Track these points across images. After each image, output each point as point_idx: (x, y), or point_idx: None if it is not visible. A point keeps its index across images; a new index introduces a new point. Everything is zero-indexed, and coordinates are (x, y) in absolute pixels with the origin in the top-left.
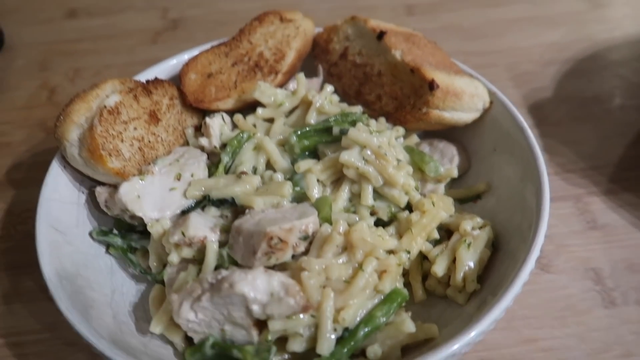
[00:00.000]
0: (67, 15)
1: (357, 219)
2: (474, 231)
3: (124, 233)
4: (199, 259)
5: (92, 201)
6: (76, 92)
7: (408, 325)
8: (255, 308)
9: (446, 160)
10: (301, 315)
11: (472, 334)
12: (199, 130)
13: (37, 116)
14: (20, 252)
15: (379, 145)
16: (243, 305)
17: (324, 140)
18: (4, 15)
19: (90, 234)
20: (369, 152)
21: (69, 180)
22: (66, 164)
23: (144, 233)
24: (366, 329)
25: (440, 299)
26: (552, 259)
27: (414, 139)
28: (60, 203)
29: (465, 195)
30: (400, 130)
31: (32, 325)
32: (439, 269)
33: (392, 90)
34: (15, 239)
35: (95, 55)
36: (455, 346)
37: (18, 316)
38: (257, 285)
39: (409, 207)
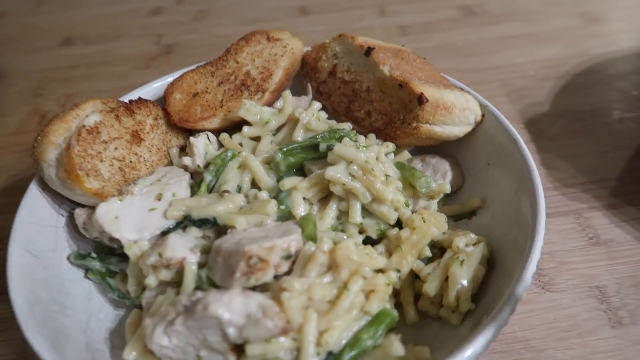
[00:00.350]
0: (63, 43)
1: (345, 237)
2: (468, 248)
3: (103, 256)
4: (177, 282)
5: (72, 224)
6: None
7: (397, 348)
8: (231, 331)
9: (439, 176)
10: (281, 339)
11: (466, 355)
12: (184, 150)
13: (27, 141)
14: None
15: (365, 160)
16: (218, 328)
17: (310, 157)
18: (1, 45)
19: (68, 258)
20: (355, 168)
21: (47, 202)
22: (45, 186)
23: (123, 256)
24: (352, 353)
25: (433, 319)
26: (554, 277)
27: (405, 155)
28: (37, 226)
29: (459, 212)
30: (390, 146)
31: (6, 354)
32: (430, 288)
33: (381, 106)
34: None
35: (89, 80)
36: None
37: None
38: (232, 307)
39: (399, 224)
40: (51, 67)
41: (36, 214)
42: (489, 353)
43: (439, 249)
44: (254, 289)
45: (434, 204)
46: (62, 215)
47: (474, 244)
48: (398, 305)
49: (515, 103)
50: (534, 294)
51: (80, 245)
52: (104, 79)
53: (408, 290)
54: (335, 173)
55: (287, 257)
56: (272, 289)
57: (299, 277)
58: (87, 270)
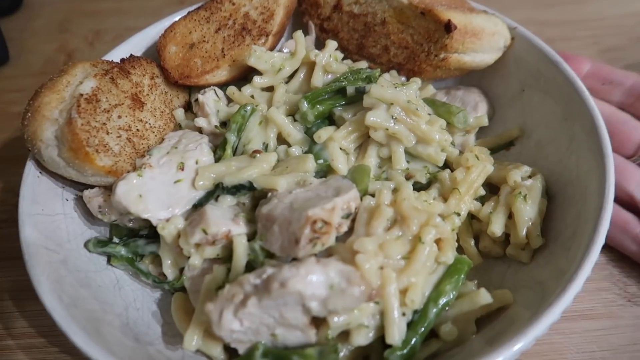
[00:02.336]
0: None
1: (393, 186)
2: (525, 181)
3: (127, 240)
4: (224, 257)
5: (80, 208)
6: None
7: (483, 296)
8: (314, 305)
9: (470, 109)
10: (366, 305)
11: (567, 296)
12: (189, 110)
13: None
14: (16, 240)
15: (407, 100)
16: (299, 304)
17: (339, 103)
18: None
19: (86, 247)
20: (398, 109)
21: (48, 188)
22: (42, 169)
23: (150, 236)
24: (437, 307)
25: (496, 260)
26: None
27: (430, 89)
28: (43, 217)
29: (496, 144)
30: (418, 82)
31: (24, 327)
32: (496, 228)
33: (400, 39)
34: (16, 224)
35: (118, 16)
36: (555, 312)
37: (11, 317)
38: (313, 280)
39: (445, 166)
40: None
41: (40, 203)
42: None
43: (487, 185)
44: (315, 255)
45: (472, 138)
46: (67, 200)
47: (530, 177)
48: (458, 249)
49: None
50: (617, 307)
51: (93, 230)
52: (134, 15)
53: (467, 233)
54: (377, 118)
55: (347, 215)
56: (338, 252)
57: (365, 235)
58: (109, 257)
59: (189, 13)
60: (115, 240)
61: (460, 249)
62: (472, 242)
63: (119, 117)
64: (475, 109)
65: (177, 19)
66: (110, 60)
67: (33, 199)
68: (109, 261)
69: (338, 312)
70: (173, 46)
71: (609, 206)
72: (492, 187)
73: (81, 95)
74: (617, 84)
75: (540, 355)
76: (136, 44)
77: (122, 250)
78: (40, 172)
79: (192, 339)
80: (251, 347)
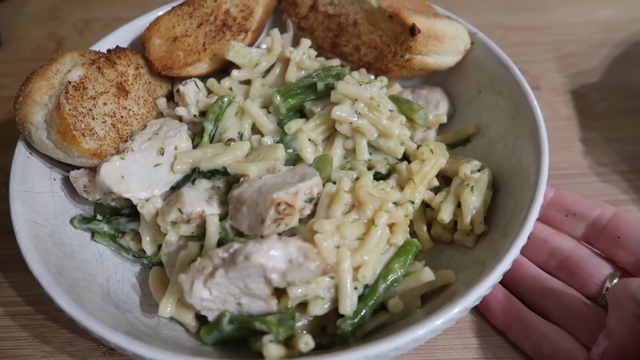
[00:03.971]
0: None
1: (355, 175)
2: (474, 174)
3: (109, 218)
4: (198, 235)
5: (66, 188)
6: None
7: (427, 274)
8: (274, 277)
9: (432, 107)
10: (322, 278)
11: (496, 272)
12: (171, 99)
13: None
14: (9, 216)
15: (370, 96)
16: (261, 275)
17: (309, 98)
18: None
19: (72, 223)
20: (361, 105)
21: (37, 167)
22: (32, 150)
23: (131, 215)
24: (386, 283)
25: (446, 244)
26: None
27: (397, 87)
28: (33, 194)
29: (454, 140)
30: (384, 80)
31: (12, 296)
32: (445, 215)
33: (370, 40)
34: (6, 201)
35: (108, 6)
36: (486, 285)
37: (2, 287)
38: (273, 254)
39: (404, 158)
40: None
41: (30, 181)
42: (496, 347)
43: (442, 177)
44: (280, 234)
45: (432, 134)
46: (55, 179)
47: (478, 170)
48: (412, 234)
49: (562, 71)
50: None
51: (79, 208)
52: (124, 5)
53: (420, 220)
54: (342, 112)
55: (310, 200)
56: (299, 232)
57: (325, 218)
58: (93, 233)
59: (173, 8)
60: (99, 217)
61: (414, 235)
62: (425, 228)
63: (105, 104)
64: (437, 107)
65: (161, 13)
66: (98, 50)
67: (23, 177)
68: (92, 237)
69: (296, 283)
70: (157, 39)
71: (540, 197)
72: (447, 179)
73: (69, 82)
74: (581, 216)
75: (480, 330)
76: (122, 36)
77: (105, 227)
78: (30, 153)
79: (167, 307)
80: (219, 315)
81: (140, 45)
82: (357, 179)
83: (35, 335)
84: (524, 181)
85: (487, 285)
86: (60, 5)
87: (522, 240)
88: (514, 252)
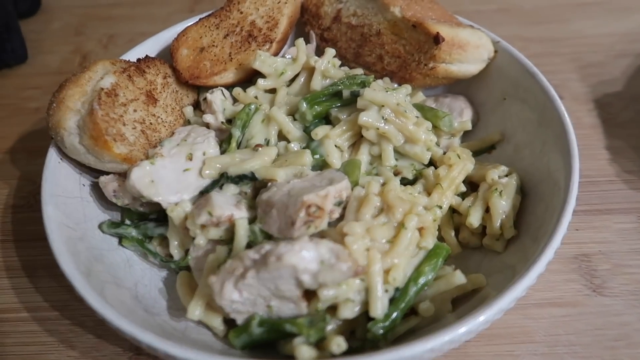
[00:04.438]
0: None
1: (382, 180)
2: (502, 179)
3: (137, 223)
4: (226, 239)
5: (95, 193)
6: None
7: (458, 277)
8: (306, 278)
9: (456, 114)
10: (352, 280)
11: (531, 275)
12: (198, 107)
13: None
14: (37, 224)
15: (397, 102)
16: (292, 277)
17: (335, 105)
18: None
19: (100, 228)
20: (388, 111)
21: (68, 173)
22: (63, 155)
23: (159, 220)
24: (416, 286)
25: (474, 250)
26: (607, 280)
27: (420, 96)
28: (64, 198)
29: (479, 147)
30: (409, 88)
31: (38, 302)
32: (474, 220)
33: (393, 49)
34: (34, 209)
35: (131, 21)
36: (521, 287)
37: (26, 292)
38: (305, 255)
39: (430, 164)
40: (93, 4)
41: (61, 185)
42: (529, 354)
43: (468, 183)
44: None
45: (457, 141)
46: (84, 185)
47: (506, 175)
48: (439, 239)
49: (584, 81)
50: (583, 296)
51: (107, 214)
52: (146, 21)
53: (448, 225)
54: (369, 118)
55: (339, 203)
56: (329, 235)
57: (354, 220)
58: (121, 238)
59: (200, 20)
60: (127, 222)
61: (442, 240)
62: (453, 234)
63: (135, 110)
64: (461, 114)
65: (189, 24)
66: (128, 59)
67: (54, 182)
68: (120, 242)
69: (327, 285)
70: (185, 49)
71: (572, 200)
72: (473, 186)
73: (102, 89)
74: None
75: (511, 337)
76: (150, 47)
77: (133, 232)
78: (60, 159)
79: (195, 310)
80: (248, 318)
81: (167, 56)
82: (383, 184)
83: (61, 340)
84: (553, 186)
85: (522, 287)
86: (85, 22)
87: (556, 243)
88: (549, 255)
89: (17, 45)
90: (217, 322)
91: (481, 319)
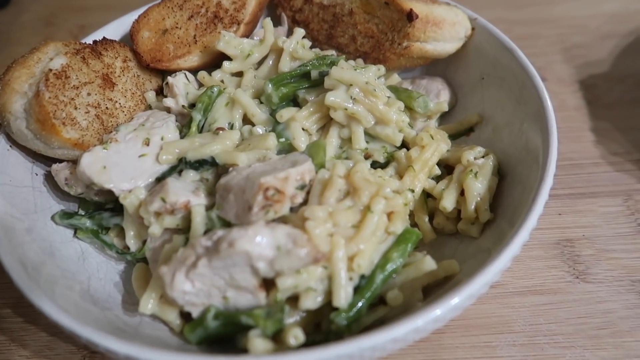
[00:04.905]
0: None
1: (351, 164)
2: (478, 160)
3: (92, 213)
4: (183, 228)
5: (49, 183)
6: None
7: (428, 263)
8: (261, 265)
9: (432, 96)
10: (313, 268)
11: (504, 257)
12: (161, 94)
13: None
14: None
15: (366, 81)
16: (247, 264)
17: (302, 86)
18: None
19: (53, 219)
20: (356, 90)
21: (17, 161)
22: (12, 142)
23: (115, 210)
24: (384, 274)
25: (449, 236)
26: (591, 266)
27: (396, 78)
28: (12, 187)
29: (456, 130)
30: (382, 68)
31: None
32: (447, 203)
33: (366, 29)
34: None
35: (105, 11)
36: (493, 270)
37: None
38: (260, 240)
39: (403, 146)
40: None
41: (8, 174)
42: (507, 345)
43: (444, 167)
44: None
45: (433, 123)
46: (37, 174)
47: (483, 157)
48: (413, 225)
49: (569, 62)
50: (565, 283)
51: (62, 205)
52: (120, 11)
53: (422, 210)
54: (336, 98)
55: (302, 187)
56: (291, 221)
57: (318, 205)
58: (76, 229)
59: (162, 0)
60: (81, 212)
61: (415, 226)
62: (427, 219)
63: (89, 94)
64: (437, 96)
65: (151, 5)
66: (84, 42)
67: (1, 170)
68: (75, 234)
69: (285, 273)
70: (146, 31)
71: (549, 177)
72: (450, 169)
73: (50, 70)
74: None
75: (489, 327)
76: (112, 31)
77: (87, 223)
78: (10, 146)
79: (148, 303)
80: (203, 310)
81: (129, 40)
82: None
83: (13, 339)
84: (531, 165)
85: (495, 270)
86: (57, 12)
87: (531, 223)
88: (523, 235)
89: None
90: (172, 316)
91: (451, 303)
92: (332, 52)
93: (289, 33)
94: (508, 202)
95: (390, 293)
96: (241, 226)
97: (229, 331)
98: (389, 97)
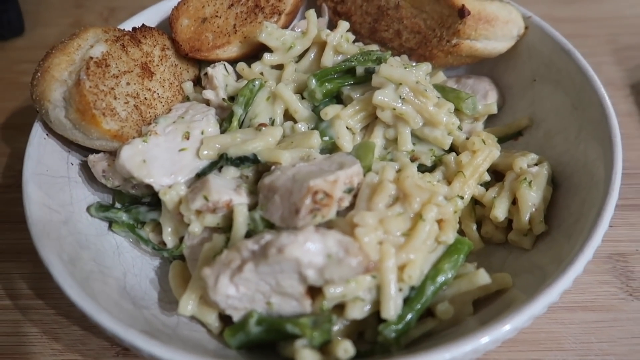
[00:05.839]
0: None
1: (397, 166)
2: (531, 168)
3: (128, 206)
4: (223, 227)
5: (85, 173)
6: None
7: (482, 276)
8: (310, 273)
9: (479, 97)
10: (363, 277)
11: (566, 277)
12: (199, 84)
13: None
14: (18, 205)
15: (416, 80)
16: (295, 271)
17: (347, 83)
18: None
19: (88, 211)
20: (406, 90)
21: (54, 150)
22: (49, 131)
23: (152, 204)
24: (434, 285)
25: (497, 245)
26: None
27: (441, 76)
28: (48, 177)
29: (504, 133)
30: (429, 65)
31: (22, 289)
32: (499, 212)
33: (413, 24)
34: (16, 185)
35: None
36: (556, 290)
37: (10, 278)
38: (310, 247)
39: (451, 150)
40: None
41: (45, 164)
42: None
43: (492, 172)
44: None
45: (479, 126)
46: (72, 164)
47: (535, 164)
48: (459, 233)
49: (620, 64)
50: (618, 300)
51: (97, 196)
52: None
53: (469, 217)
54: (384, 97)
55: (349, 190)
56: (337, 226)
57: (366, 210)
58: (111, 223)
59: None
60: (118, 206)
61: (462, 234)
62: (475, 227)
63: (128, 83)
64: (485, 97)
65: None
66: (123, 28)
67: (38, 159)
68: (110, 227)
69: (334, 282)
70: (185, 19)
71: (615, 193)
72: (497, 175)
73: (91, 58)
74: None
75: (537, 343)
76: (149, 17)
77: (124, 216)
78: (47, 134)
79: (187, 305)
80: (246, 315)
81: (168, 27)
82: (399, 171)
83: (45, 332)
84: (591, 177)
85: (557, 291)
86: None
87: (596, 242)
88: (587, 254)
89: (13, 17)
90: (211, 319)
91: (508, 327)
92: (375, 47)
93: (330, 25)
94: (564, 214)
95: (440, 306)
96: (290, 231)
97: (271, 338)
98: (438, 97)
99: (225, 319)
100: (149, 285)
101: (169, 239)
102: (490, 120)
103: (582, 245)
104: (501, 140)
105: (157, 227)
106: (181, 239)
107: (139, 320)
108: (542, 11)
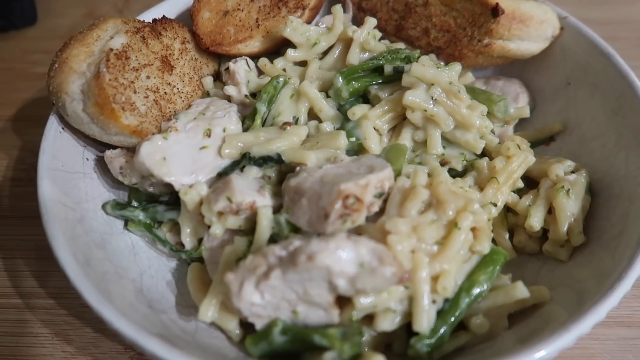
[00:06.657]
0: None
1: (427, 170)
2: (568, 176)
3: (146, 205)
4: (246, 229)
5: (100, 169)
6: None
7: (520, 290)
8: (341, 283)
9: (510, 100)
10: (394, 288)
11: (616, 294)
12: (219, 79)
13: None
14: (36, 200)
15: (449, 81)
16: (325, 280)
17: (375, 82)
18: None
19: (104, 209)
20: (438, 91)
21: (69, 144)
22: (65, 125)
23: (170, 203)
24: (469, 297)
25: (530, 256)
26: None
27: (469, 77)
28: (63, 173)
29: (535, 138)
30: (460, 67)
31: (32, 287)
32: (535, 222)
33: (442, 22)
34: (34, 183)
35: None
36: (602, 310)
37: (20, 276)
38: (342, 256)
39: (482, 155)
40: None
41: (60, 159)
42: None
43: (524, 179)
44: None
45: (510, 130)
46: (88, 159)
47: (572, 172)
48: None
49: None
50: None
51: (112, 193)
52: None
53: (501, 225)
54: (415, 97)
55: (380, 195)
56: (367, 232)
57: (398, 217)
58: (126, 221)
59: None
60: (134, 204)
61: (494, 243)
62: (507, 236)
63: (148, 77)
64: (515, 100)
65: None
66: (142, 19)
67: (53, 154)
68: (125, 225)
69: (366, 292)
70: (207, 12)
71: None
72: (529, 182)
73: (111, 50)
74: None
75: (570, 359)
76: (168, 9)
77: (141, 215)
78: (62, 128)
79: (208, 310)
80: (269, 323)
81: (187, 20)
82: (428, 175)
83: (56, 333)
84: (635, 187)
85: (605, 309)
86: None
87: None
88: (637, 270)
89: (26, 7)
90: (232, 326)
91: (553, 348)
92: (402, 45)
93: (354, 21)
94: (604, 225)
95: (474, 319)
96: (321, 238)
97: (295, 348)
98: (470, 99)
99: (245, 326)
100: (165, 287)
101: (188, 240)
102: (520, 124)
103: (630, 261)
104: (532, 145)
105: (175, 227)
106: (200, 240)
107: (156, 325)
108: (570, 12)
